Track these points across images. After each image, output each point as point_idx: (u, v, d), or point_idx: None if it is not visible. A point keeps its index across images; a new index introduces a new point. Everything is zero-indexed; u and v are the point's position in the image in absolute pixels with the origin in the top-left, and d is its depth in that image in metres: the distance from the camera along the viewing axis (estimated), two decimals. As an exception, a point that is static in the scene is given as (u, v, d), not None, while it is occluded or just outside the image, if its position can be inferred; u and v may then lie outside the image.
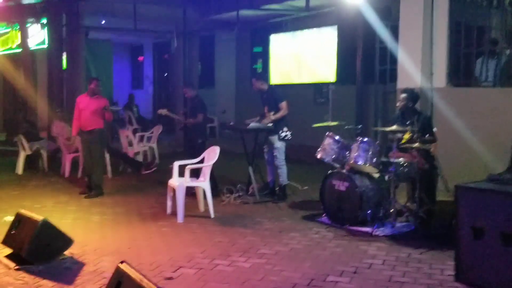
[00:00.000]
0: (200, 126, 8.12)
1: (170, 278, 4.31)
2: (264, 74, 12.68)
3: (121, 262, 3.44)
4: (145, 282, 3.09)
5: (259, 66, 14.64)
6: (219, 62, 15.76)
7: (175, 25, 13.46)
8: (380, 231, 5.64)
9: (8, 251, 4.99)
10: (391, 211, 5.80)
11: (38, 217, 4.86)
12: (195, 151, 7.64)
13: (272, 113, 7.49)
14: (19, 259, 4.75)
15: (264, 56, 14.00)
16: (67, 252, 4.92)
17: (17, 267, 4.64)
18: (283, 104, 7.48)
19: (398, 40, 8.60)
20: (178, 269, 4.56)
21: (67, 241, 4.90)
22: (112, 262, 4.74)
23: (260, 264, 4.68)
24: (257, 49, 14.63)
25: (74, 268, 4.65)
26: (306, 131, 11.05)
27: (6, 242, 5.08)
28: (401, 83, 8.33)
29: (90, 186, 7.91)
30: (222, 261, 4.76)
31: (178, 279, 4.33)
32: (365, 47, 10.24)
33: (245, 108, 14.04)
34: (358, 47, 10.05)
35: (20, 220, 5.08)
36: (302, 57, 12.70)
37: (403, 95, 6.38)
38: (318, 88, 12.45)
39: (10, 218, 5.49)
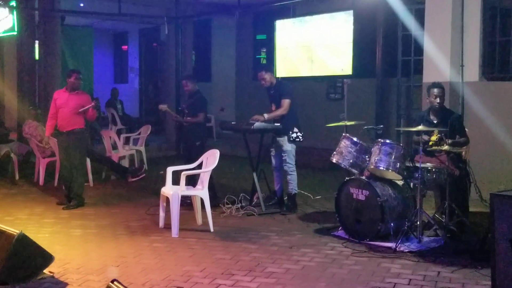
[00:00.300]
0: (199, 126, 8.22)
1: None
2: (270, 66, 12.83)
3: (112, 281, 3.54)
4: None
5: (263, 56, 14.79)
6: (217, 52, 15.88)
7: (165, 9, 13.58)
8: (405, 247, 5.74)
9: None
10: (417, 223, 5.91)
11: (13, 230, 4.96)
12: (192, 154, 7.77)
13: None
14: (-8, 279, 4.86)
15: (269, 45, 14.15)
16: (46, 271, 5.03)
17: (-11, 288, 4.75)
18: (285, 102, 7.57)
19: (424, 26, 8.72)
20: (174, 289, 4.67)
21: (47, 258, 5.00)
22: (98, 281, 4.86)
23: (268, 284, 4.79)
24: (261, 37, 14.78)
25: (55, 288, 4.76)
26: (318, 132, 11.23)
27: (-24, 259, 5.18)
28: (427, 76, 8.46)
29: (69, 196, 8.02)
30: (224, 281, 4.86)
31: (175, 301, 4.44)
32: (386, 35, 10.35)
33: (246, 105, 14.19)
34: (377, 34, 10.17)
35: (-9, 235, 5.19)
36: (313, 47, 12.83)
37: (437, 90, 6.48)
38: (331, 82, 12.58)
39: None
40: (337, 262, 5.42)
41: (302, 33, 13.03)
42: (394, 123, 10.45)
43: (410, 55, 10.07)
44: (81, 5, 14.11)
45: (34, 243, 4.98)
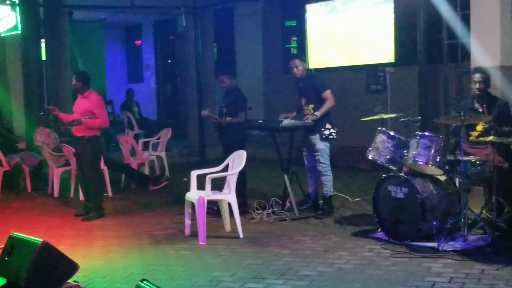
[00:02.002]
0: (239, 126, 8.67)
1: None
2: (301, 55, 13.33)
3: (142, 281, 4.18)
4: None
5: (293, 45, 15.27)
6: (241, 43, 16.35)
7: (182, -1, 14.16)
8: (448, 246, 6.27)
9: (2, 281, 5.78)
10: (462, 221, 6.42)
11: (37, 239, 5.64)
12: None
13: (311, 106, 8.16)
14: (16, 289, 5.55)
15: (299, 32, 14.59)
16: (71, 280, 5.69)
17: (15, 298, 5.43)
18: (328, 93, 8.09)
19: (470, 6, 9.15)
20: (203, 294, 5.30)
21: (72, 267, 5.66)
22: (125, 289, 5.51)
23: (301, 287, 5.38)
24: (290, 23, 15.21)
25: (81, 297, 5.43)
26: (357, 128, 11.69)
27: (-1, 271, 5.88)
28: (476, 61, 8.89)
29: (87, 207, 8.73)
30: (255, 285, 5.48)
31: (205, 305, 5.06)
32: (428, 17, 10.62)
33: (276, 102, 14.67)
34: (418, 17, 10.51)
35: (13, 245, 5.87)
36: (349, 32, 13.24)
37: (478, 75, 6.99)
38: (371, 72, 12.97)
39: None
40: (375, 263, 5.99)
41: (336, 18, 13.41)
42: (442, 114, 10.81)
43: (457, 38, 10.44)
44: (90, -3, 14.81)
45: (58, 251, 5.65)
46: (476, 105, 7.07)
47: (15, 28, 13.85)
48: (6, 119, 12.53)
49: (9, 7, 13.68)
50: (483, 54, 8.87)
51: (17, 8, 13.37)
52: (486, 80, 6.98)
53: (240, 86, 16.13)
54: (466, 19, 9.67)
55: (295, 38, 15.13)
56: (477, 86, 6.94)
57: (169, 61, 19.23)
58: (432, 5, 10.25)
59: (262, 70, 15.75)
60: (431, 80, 11.14)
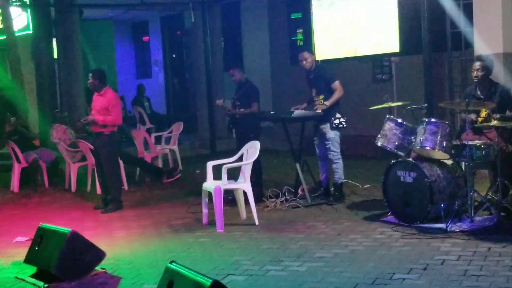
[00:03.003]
0: (252, 117, 9.04)
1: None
2: (309, 47, 13.61)
3: (171, 262, 4.52)
4: (199, 277, 4.14)
5: (299, 38, 15.56)
6: (248, 36, 16.67)
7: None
8: (456, 227, 6.60)
9: (33, 270, 6.13)
10: (468, 203, 6.74)
11: (65, 229, 6.00)
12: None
13: (321, 97, 8.49)
14: (47, 277, 5.89)
15: (305, 24, 14.85)
16: (98, 267, 6.04)
17: (47, 285, 5.77)
18: (337, 84, 8.45)
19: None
20: (226, 276, 5.63)
21: (99, 254, 6.01)
22: (151, 274, 5.85)
23: (317, 267, 5.71)
24: (296, 16, 15.49)
25: (110, 282, 5.76)
26: (365, 117, 12.03)
27: (30, 260, 6.23)
28: (479, 49, 9.16)
29: (105, 199, 9.08)
30: (274, 267, 5.81)
31: (228, 286, 5.38)
32: (431, 6, 10.85)
33: (284, 93, 14.98)
34: (421, 5, 10.76)
35: (42, 235, 6.23)
36: (355, 23, 13.48)
37: (478, 63, 7.31)
38: (377, 62, 13.26)
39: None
40: (386, 245, 6.31)
41: (341, 9, 13.61)
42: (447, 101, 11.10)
43: (460, 27, 10.73)
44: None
45: (86, 240, 6.00)
46: (478, 92, 7.37)
47: (26, 28, 14.24)
48: (22, 117, 12.85)
49: (19, 8, 14.03)
50: (485, 42, 9.11)
51: (28, 9, 13.72)
52: (485, 68, 7.27)
53: (248, 78, 16.45)
54: (469, 8, 9.90)
55: (301, 30, 15.40)
56: (474, 74, 7.26)
57: (177, 56, 19.53)
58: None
59: (269, 62, 16.00)
60: (436, 68, 11.41)
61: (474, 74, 7.29)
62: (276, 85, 15.82)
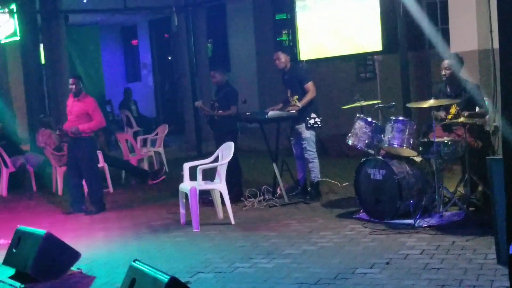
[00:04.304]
0: (230, 119, 9.16)
1: (187, 283, 5.53)
2: (291, 48, 13.77)
3: (134, 261, 4.69)
4: (159, 274, 4.32)
5: (285, 38, 15.70)
6: (234, 38, 16.81)
7: (174, -3, 14.64)
8: (424, 222, 6.76)
9: (11, 271, 6.30)
10: (436, 199, 6.91)
11: (41, 231, 6.17)
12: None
13: (296, 97, 8.65)
14: (24, 278, 6.07)
15: (290, 24, 14.98)
16: (74, 267, 6.21)
17: (23, 286, 5.95)
18: (309, 85, 8.62)
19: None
20: (195, 274, 5.80)
21: (74, 255, 6.19)
22: (124, 273, 5.99)
23: (284, 264, 5.89)
24: (280, 16, 15.60)
25: (84, 282, 5.94)
26: (350, 117, 12.10)
27: (8, 262, 6.40)
28: (455, 46, 9.30)
29: (72, 202, 9.22)
30: (242, 264, 5.99)
31: (196, 283, 5.56)
32: (408, 4, 10.99)
33: (270, 94, 15.10)
34: (396, 4, 10.87)
35: (20, 237, 6.40)
36: (339, 22, 13.60)
37: (445, 62, 7.49)
38: (361, 60, 13.38)
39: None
40: (355, 241, 6.49)
41: (325, 8, 13.74)
42: (426, 99, 11.25)
43: (437, 25, 10.89)
44: (84, 1, 15.29)
45: (61, 241, 6.18)
46: (448, 89, 7.54)
47: (14, 34, 14.38)
48: (7, 121, 13.02)
49: (7, 15, 14.19)
50: (461, 39, 9.27)
51: (15, 15, 13.88)
52: (452, 67, 7.43)
53: (234, 80, 16.62)
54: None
55: (286, 31, 15.52)
56: (443, 72, 7.43)
57: (166, 59, 19.70)
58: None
59: (256, 64, 16.14)
60: (415, 66, 11.55)
61: (443, 72, 7.46)
62: (262, 86, 15.96)
